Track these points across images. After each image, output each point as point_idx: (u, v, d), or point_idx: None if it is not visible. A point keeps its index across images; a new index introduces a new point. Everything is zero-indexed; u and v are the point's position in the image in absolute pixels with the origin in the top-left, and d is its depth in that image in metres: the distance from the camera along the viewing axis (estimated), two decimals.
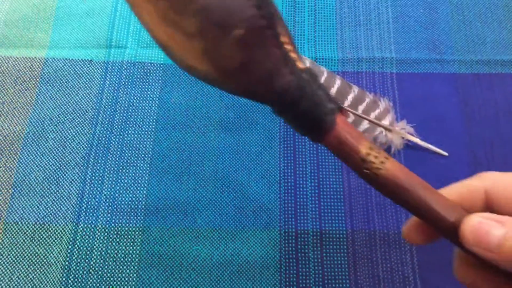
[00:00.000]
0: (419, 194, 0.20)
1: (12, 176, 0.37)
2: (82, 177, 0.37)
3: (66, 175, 0.37)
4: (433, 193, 0.20)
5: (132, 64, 0.41)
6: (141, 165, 0.38)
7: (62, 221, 0.36)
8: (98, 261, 0.35)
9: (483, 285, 0.21)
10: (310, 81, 0.21)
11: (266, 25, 0.19)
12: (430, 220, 0.20)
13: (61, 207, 0.36)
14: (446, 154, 0.38)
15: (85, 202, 0.37)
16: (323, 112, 0.20)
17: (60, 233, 0.36)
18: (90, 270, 0.34)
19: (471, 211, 0.20)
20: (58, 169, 0.38)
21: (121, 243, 0.35)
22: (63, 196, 0.37)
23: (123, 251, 0.35)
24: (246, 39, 0.19)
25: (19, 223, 0.36)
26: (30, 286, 0.34)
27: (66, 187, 0.37)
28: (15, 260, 0.35)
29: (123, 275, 0.34)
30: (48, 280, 0.34)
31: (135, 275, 0.34)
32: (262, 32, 0.19)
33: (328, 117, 0.20)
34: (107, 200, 0.37)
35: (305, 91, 0.20)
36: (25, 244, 0.35)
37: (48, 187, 0.37)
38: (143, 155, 0.38)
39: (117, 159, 0.38)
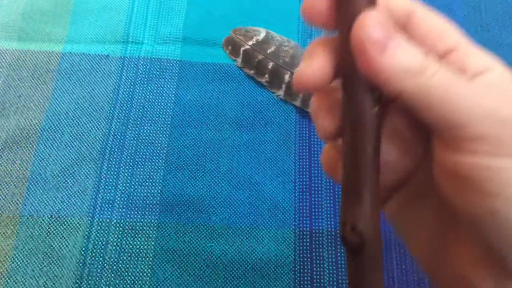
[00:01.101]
0: None
1: (28, 169, 0.37)
2: (98, 171, 0.37)
3: (82, 169, 0.38)
4: None
5: (148, 60, 0.41)
6: (157, 160, 0.38)
7: (78, 215, 0.36)
8: (112, 255, 0.35)
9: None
10: None
11: None
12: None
13: (77, 201, 0.37)
14: None
15: (101, 197, 0.37)
16: None
17: (76, 227, 0.36)
18: (105, 264, 0.35)
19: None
20: (74, 163, 0.38)
21: (136, 238, 0.35)
22: (79, 190, 0.37)
23: (137, 246, 0.35)
24: None
25: (35, 216, 0.36)
26: (45, 279, 0.34)
27: (82, 181, 0.37)
28: (31, 253, 0.35)
29: (138, 270, 0.34)
30: (63, 273, 0.34)
31: (149, 270, 0.35)
32: None
33: None
34: (123, 195, 0.37)
35: None
36: (40, 237, 0.35)
37: (64, 181, 0.37)
38: (158, 151, 0.38)
39: (132, 154, 0.38)
